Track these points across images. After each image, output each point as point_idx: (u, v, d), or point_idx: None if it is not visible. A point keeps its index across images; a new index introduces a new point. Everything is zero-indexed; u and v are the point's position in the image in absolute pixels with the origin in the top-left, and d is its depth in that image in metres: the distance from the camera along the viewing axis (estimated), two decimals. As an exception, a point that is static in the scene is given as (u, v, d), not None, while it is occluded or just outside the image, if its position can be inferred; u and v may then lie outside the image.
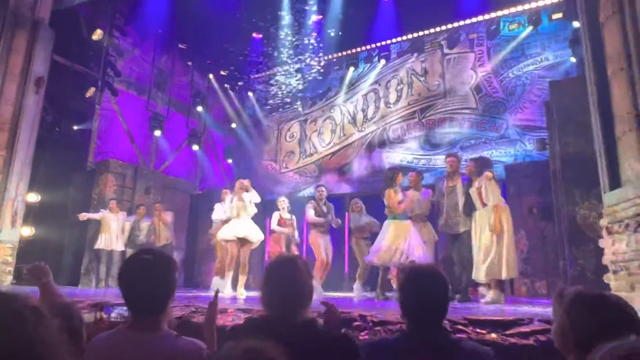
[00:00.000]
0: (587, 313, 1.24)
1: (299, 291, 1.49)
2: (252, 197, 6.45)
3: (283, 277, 1.50)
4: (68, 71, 9.13)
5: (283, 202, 7.01)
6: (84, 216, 7.91)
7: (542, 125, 8.11)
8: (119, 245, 8.11)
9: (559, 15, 8.91)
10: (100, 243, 8.01)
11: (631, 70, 3.42)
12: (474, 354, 1.47)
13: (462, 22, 10.26)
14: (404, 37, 10.98)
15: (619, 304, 1.27)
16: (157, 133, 10.87)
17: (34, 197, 7.71)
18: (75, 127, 9.36)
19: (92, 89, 9.39)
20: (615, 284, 3.54)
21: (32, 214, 7.66)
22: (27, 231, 7.53)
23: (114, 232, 8.07)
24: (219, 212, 7.32)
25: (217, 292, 1.84)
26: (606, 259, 3.69)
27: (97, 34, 9.38)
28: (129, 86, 10.79)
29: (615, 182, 3.69)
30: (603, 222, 3.70)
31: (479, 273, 4.65)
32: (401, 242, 5.28)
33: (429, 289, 1.55)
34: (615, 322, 1.21)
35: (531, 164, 8.36)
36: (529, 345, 2.47)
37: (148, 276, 1.44)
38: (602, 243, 3.79)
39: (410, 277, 1.62)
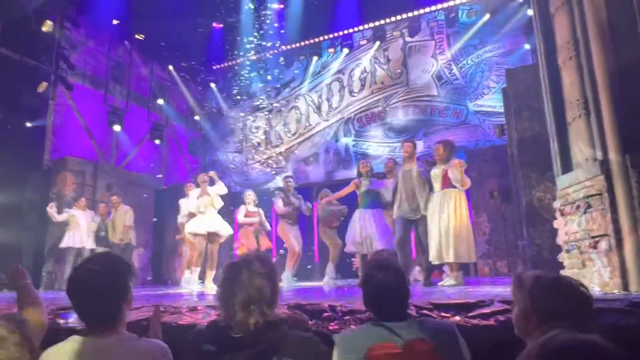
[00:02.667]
0: (549, 295, 1.28)
1: (253, 299, 1.44)
2: (218, 189, 6.34)
3: (239, 283, 1.46)
4: (18, 65, 8.67)
5: (249, 197, 7.02)
6: (52, 206, 7.63)
7: (501, 111, 8.39)
8: (89, 243, 7.76)
9: (514, 3, 9.21)
10: (68, 241, 7.65)
11: (579, 60, 3.57)
12: (438, 330, 1.58)
13: (422, 11, 10.41)
14: (366, 26, 11.04)
15: (575, 285, 1.31)
16: (117, 128, 10.53)
17: (-14, 200, 7.35)
18: (28, 124, 8.92)
19: (44, 84, 8.94)
20: (569, 262, 3.74)
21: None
22: (-19, 235, 7.18)
23: (84, 230, 7.74)
24: (184, 210, 7.18)
25: (157, 306, 1.91)
26: (560, 239, 3.87)
27: (47, 26, 8.92)
28: (85, 80, 10.35)
29: (567, 166, 3.85)
30: (556, 204, 3.88)
31: (440, 255, 4.77)
32: (366, 230, 5.39)
33: (386, 284, 1.64)
34: (574, 303, 1.26)
35: (491, 148, 8.62)
36: (490, 325, 2.60)
37: (95, 286, 1.39)
38: (556, 224, 3.98)
39: (368, 274, 1.71)
